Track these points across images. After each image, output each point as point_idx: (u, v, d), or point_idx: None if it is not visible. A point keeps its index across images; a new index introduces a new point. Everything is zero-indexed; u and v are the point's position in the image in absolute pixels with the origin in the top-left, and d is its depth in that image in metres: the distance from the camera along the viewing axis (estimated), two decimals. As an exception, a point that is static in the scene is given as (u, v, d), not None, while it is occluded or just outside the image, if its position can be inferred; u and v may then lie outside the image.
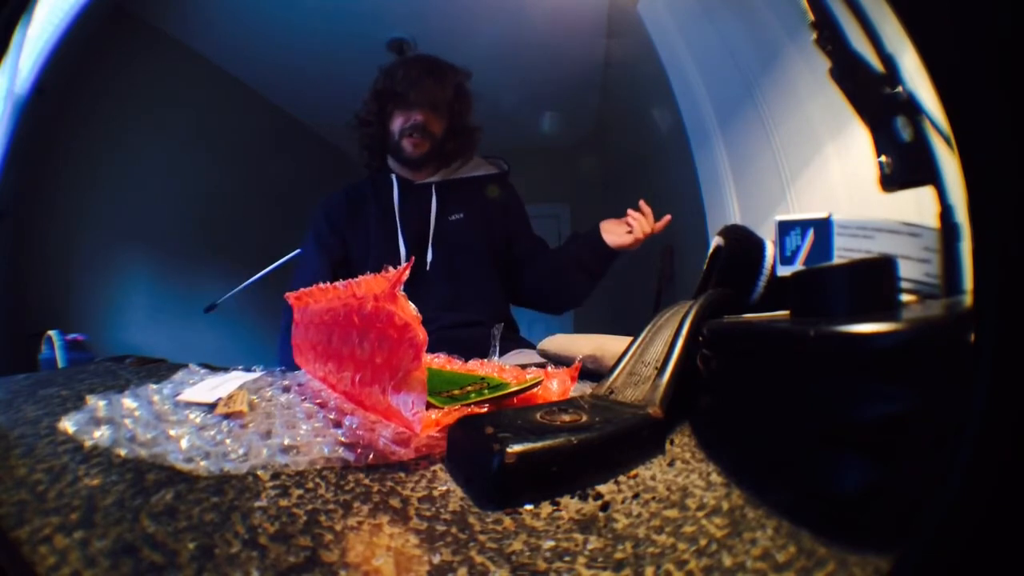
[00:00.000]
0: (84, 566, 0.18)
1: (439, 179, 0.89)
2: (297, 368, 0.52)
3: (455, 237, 0.87)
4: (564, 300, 0.94)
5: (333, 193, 0.92)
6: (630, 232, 0.83)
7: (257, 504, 0.23)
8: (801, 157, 0.64)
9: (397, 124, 0.87)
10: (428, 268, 0.84)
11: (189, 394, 0.39)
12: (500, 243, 0.90)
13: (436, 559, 0.19)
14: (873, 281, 0.27)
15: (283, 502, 0.23)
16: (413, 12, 1.01)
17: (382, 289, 0.31)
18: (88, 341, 0.75)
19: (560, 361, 0.56)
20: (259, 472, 0.26)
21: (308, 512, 0.22)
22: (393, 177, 0.88)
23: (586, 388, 0.35)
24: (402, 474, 0.27)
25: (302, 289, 0.49)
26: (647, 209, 0.83)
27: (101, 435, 0.30)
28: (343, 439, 0.30)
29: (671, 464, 0.27)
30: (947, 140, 0.21)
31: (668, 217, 0.84)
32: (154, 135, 0.99)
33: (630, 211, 0.84)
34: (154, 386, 0.42)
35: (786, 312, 0.31)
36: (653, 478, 0.25)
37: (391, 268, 0.31)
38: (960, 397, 0.19)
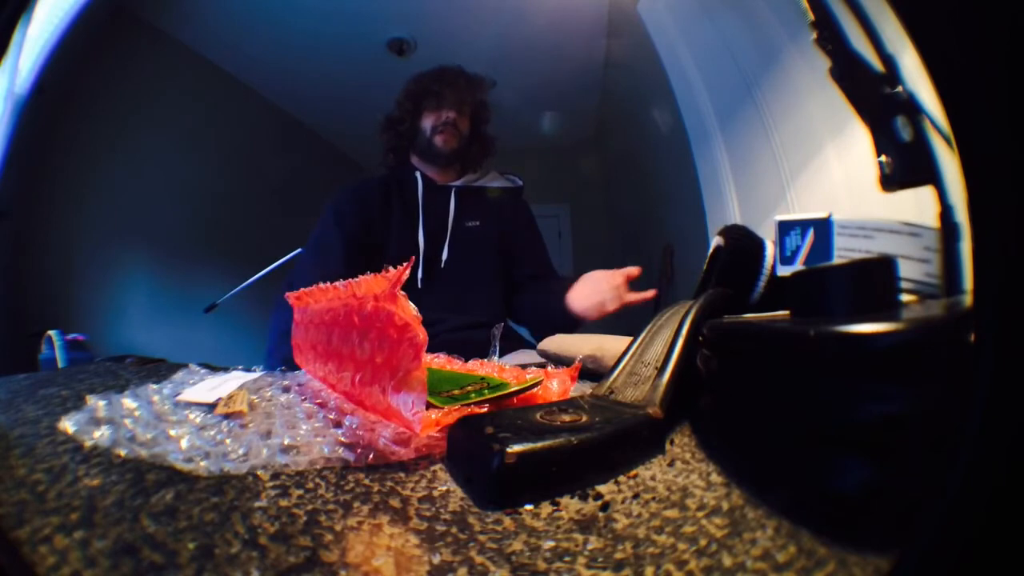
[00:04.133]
0: (84, 566, 0.18)
1: (460, 184, 0.93)
2: (296, 367, 0.52)
3: (470, 242, 0.90)
4: (543, 335, 0.93)
5: (365, 180, 0.96)
6: (601, 303, 0.77)
7: (257, 504, 0.23)
8: (801, 157, 0.64)
9: (428, 122, 0.92)
10: (443, 266, 0.88)
11: (189, 394, 0.39)
12: (508, 255, 0.94)
13: (436, 559, 0.19)
14: (873, 281, 0.27)
15: (283, 502, 0.23)
16: (413, 12, 1.01)
17: (382, 289, 0.31)
18: (88, 341, 0.75)
19: (560, 361, 0.56)
20: (259, 472, 0.26)
21: (308, 512, 0.22)
22: (418, 175, 0.92)
23: (586, 388, 0.35)
24: (402, 474, 0.27)
25: (302, 289, 0.49)
26: (621, 279, 0.77)
27: (101, 435, 0.30)
28: (343, 439, 0.30)
29: (671, 464, 0.27)
30: (947, 140, 0.21)
31: (653, 293, 0.78)
32: (154, 135, 0.99)
33: (615, 278, 0.77)
34: (154, 386, 0.42)
35: (786, 312, 0.31)
36: (653, 478, 0.25)
37: (391, 269, 0.31)
38: (960, 397, 0.19)
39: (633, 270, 0.77)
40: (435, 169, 0.93)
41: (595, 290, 0.78)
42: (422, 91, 0.93)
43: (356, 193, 0.93)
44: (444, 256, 0.88)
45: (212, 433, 0.31)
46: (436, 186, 0.92)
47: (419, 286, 0.86)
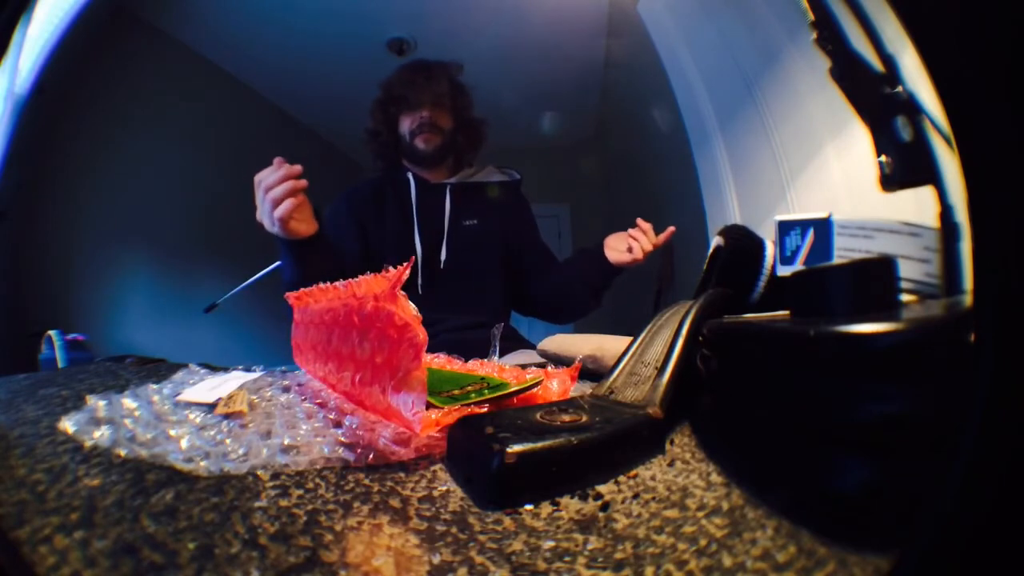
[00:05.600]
0: (84, 566, 0.18)
1: (454, 181, 0.91)
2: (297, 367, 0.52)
3: (468, 242, 0.89)
4: (569, 313, 0.96)
5: (357, 185, 0.94)
6: (630, 251, 0.83)
7: (257, 504, 0.23)
8: (801, 157, 0.64)
9: (405, 126, 0.90)
10: (442, 267, 0.87)
11: (189, 394, 0.39)
12: (509, 251, 0.92)
13: (436, 559, 0.19)
14: (873, 281, 0.27)
15: (283, 502, 0.23)
16: (413, 12, 1.01)
17: (382, 289, 0.31)
18: (88, 341, 0.75)
19: (560, 361, 0.56)
20: (259, 472, 0.26)
21: (308, 512, 0.22)
22: (410, 176, 0.90)
23: (586, 388, 0.35)
24: (402, 474, 0.27)
25: (302, 289, 0.49)
26: (646, 226, 0.84)
27: (101, 435, 0.30)
28: (343, 439, 0.30)
29: (671, 464, 0.27)
30: (947, 140, 0.21)
31: (671, 229, 0.84)
32: (154, 135, 0.99)
33: (631, 230, 0.84)
34: (154, 386, 0.42)
35: (786, 312, 0.31)
36: (653, 478, 0.25)
37: (391, 269, 0.31)
38: (960, 397, 0.19)
39: (641, 224, 0.83)
40: (426, 169, 0.91)
41: (624, 241, 0.84)
42: (389, 98, 0.91)
43: (348, 201, 0.90)
44: (443, 257, 0.87)
45: (212, 433, 0.31)
46: (430, 186, 0.90)
47: (419, 292, 0.84)
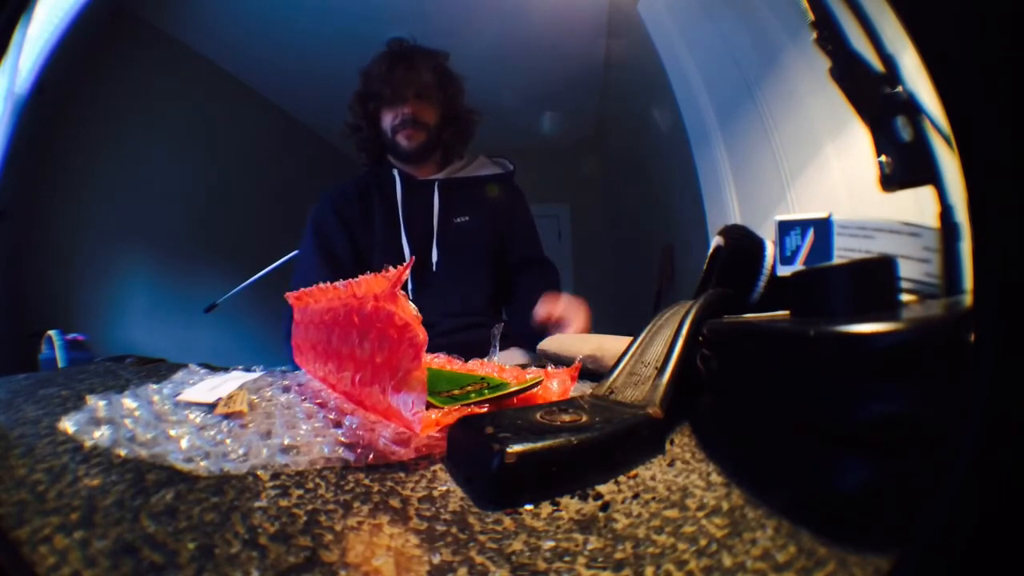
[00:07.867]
0: (84, 566, 0.18)
1: (443, 176, 0.86)
2: (297, 367, 0.52)
3: (460, 240, 0.84)
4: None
5: (339, 186, 0.89)
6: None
7: (257, 504, 0.23)
8: (801, 157, 0.64)
9: (387, 122, 0.84)
10: (435, 269, 0.82)
11: (189, 394, 0.39)
12: (503, 247, 0.88)
13: (436, 559, 0.19)
14: (873, 281, 0.27)
15: (283, 502, 0.23)
16: (413, 12, 1.01)
17: (382, 289, 0.31)
18: (88, 341, 0.75)
19: (560, 361, 0.56)
20: (259, 472, 0.26)
21: (308, 512, 0.22)
22: (395, 172, 0.85)
23: (586, 388, 0.35)
24: (402, 474, 0.27)
25: (302, 289, 0.49)
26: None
27: (101, 435, 0.30)
28: (343, 439, 0.30)
29: (671, 464, 0.27)
30: (947, 140, 0.21)
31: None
32: (154, 135, 0.99)
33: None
34: (154, 386, 0.42)
35: (786, 312, 0.31)
36: (653, 478, 0.25)
37: (391, 268, 0.31)
38: (960, 397, 0.19)
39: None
40: (412, 165, 0.86)
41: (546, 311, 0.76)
42: (368, 92, 0.85)
43: (333, 206, 0.85)
44: (434, 259, 0.82)
45: (212, 433, 0.31)
46: (417, 183, 0.84)
47: (411, 297, 0.79)
